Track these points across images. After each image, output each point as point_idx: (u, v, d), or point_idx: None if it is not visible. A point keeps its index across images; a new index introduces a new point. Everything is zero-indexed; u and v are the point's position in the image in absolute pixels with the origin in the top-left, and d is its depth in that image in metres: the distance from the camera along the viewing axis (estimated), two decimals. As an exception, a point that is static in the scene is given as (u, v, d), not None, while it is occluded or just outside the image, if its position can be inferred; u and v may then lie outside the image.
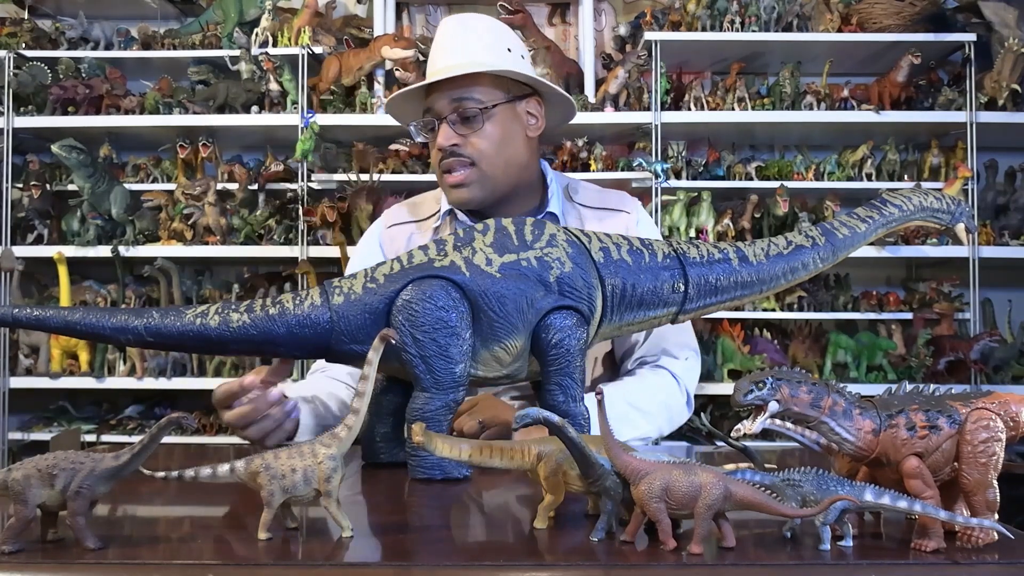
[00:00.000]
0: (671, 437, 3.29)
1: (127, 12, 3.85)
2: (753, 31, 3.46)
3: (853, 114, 3.48)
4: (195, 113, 3.52)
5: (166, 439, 0.91)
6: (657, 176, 3.36)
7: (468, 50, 1.65)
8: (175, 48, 3.64)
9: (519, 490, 1.20)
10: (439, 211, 1.80)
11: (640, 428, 1.62)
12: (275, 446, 1.40)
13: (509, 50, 1.68)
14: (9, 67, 3.52)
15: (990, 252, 3.42)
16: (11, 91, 3.53)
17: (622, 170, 3.43)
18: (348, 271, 1.80)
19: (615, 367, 1.81)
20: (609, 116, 3.45)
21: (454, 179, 1.65)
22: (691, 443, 3.28)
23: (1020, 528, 0.93)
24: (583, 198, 1.80)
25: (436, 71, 1.66)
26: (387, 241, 1.82)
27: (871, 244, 1.46)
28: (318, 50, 3.52)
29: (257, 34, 3.57)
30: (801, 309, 3.44)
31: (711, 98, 3.53)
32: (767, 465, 1.14)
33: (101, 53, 3.69)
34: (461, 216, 1.76)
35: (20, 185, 3.59)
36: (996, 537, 0.86)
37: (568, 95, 1.75)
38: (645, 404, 1.63)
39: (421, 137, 1.73)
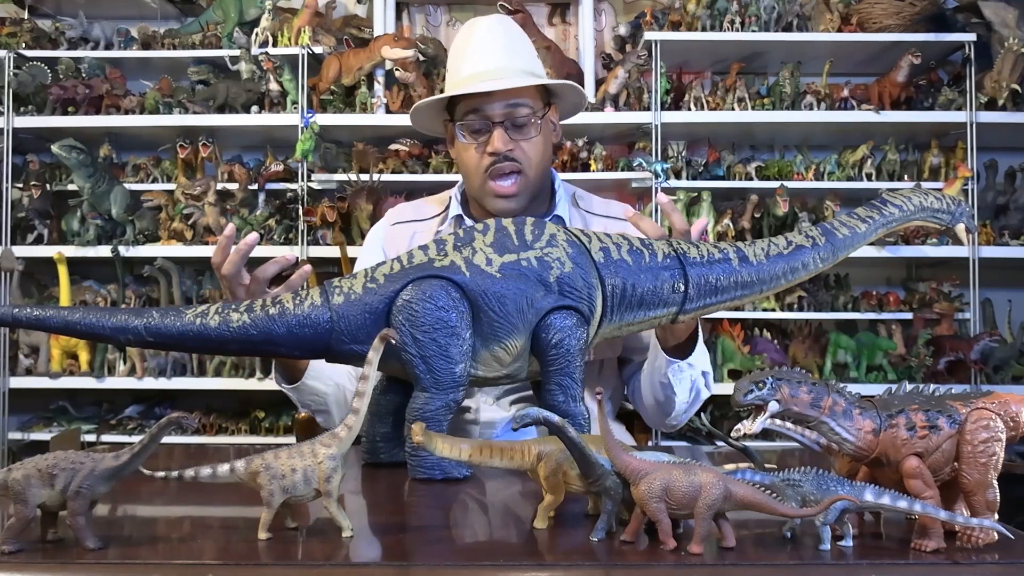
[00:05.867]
0: (670, 437, 3.30)
1: (127, 12, 3.84)
2: (753, 31, 3.46)
3: (853, 114, 3.48)
4: (195, 113, 3.52)
5: (166, 439, 0.91)
6: (657, 176, 3.36)
7: (517, 56, 1.66)
8: (175, 48, 3.63)
9: (519, 490, 1.20)
10: (445, 211, 1.79)
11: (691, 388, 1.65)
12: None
13: (538, 59, 1.72)
14: (9, 67, 3.52)
15: (990, 252, 3.42)
16: (11, 91, 3.53)
17: (622, 170, 3.42)
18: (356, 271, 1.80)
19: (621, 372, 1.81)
20: (609, 116, 3.45)
21: (507, 190, 1.66)
22: (691, 443, 3.28)
23: (1020, 528, 0.93)
24: (588, 204, 1.82)
25: (486, 73, 1.62)
26: (389, 240, 1.82)
27: (871, 244, 1.46)
28: (318, 50, 3.51)
29: (257, 34, 3.56)
30: (801, 309, 3.43)
31: (711, 98, 3.52)
32: (767, 465, 1.14)
33: (101, 53, 3.68)
34: (468, 221, 1.76)
35: (20, 185, 3.58)
36: (996, 537, 0.86)
37: (582, 89, 1.77)
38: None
39: (465, 139, 1.69)
